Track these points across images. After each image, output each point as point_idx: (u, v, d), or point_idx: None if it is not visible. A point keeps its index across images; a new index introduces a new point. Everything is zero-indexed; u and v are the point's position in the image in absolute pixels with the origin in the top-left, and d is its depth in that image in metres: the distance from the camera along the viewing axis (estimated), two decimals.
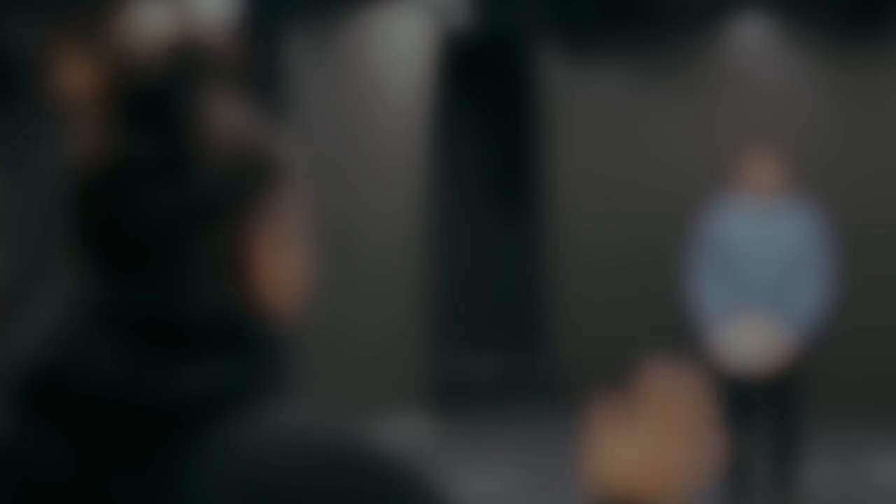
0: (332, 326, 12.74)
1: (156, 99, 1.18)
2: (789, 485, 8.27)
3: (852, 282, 13.49)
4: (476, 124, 17.24)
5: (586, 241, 14.88)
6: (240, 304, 1.21)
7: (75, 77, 1.17)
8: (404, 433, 12.67)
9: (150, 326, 1.16)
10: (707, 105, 14.23)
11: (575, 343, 14.98)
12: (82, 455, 1.14)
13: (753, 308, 8.03)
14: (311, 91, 12.78)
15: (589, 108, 14.87)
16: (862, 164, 13.55)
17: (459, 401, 15.30)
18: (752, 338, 8.01)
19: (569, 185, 15.01)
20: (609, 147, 14.77)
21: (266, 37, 16.03)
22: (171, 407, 1.13)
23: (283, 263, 1.25)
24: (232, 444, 1.14)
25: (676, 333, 14.28)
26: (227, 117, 1.23)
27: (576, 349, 14.98)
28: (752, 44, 13.96)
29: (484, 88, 17.15)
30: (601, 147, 14.82)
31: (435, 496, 1.15)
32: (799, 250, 8.00)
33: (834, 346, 13.54)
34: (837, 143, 13.64)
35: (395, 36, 12.71)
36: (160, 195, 1.17)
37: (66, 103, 1.18)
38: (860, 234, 13.50)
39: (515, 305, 17.58)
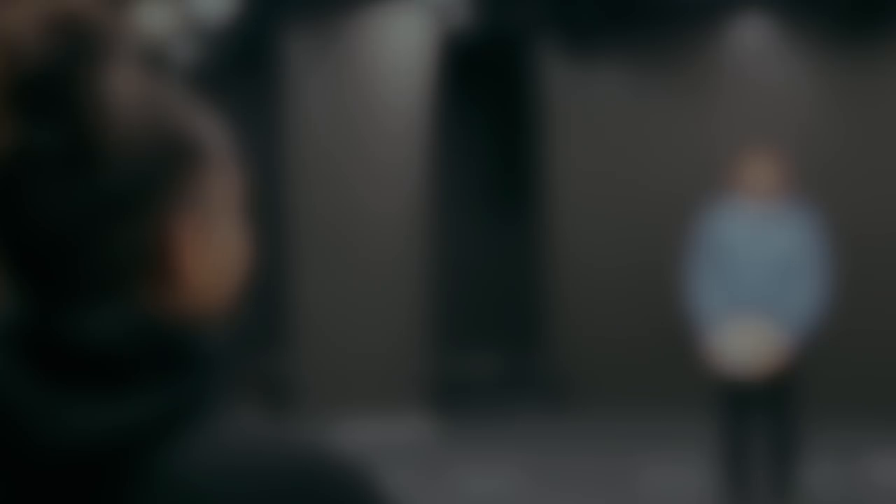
0: (333, 326, 12.74)
1: (43, 86, 1.05)
2: (789, 486, 8.28)
3: (852, 282, 13.48)
4: (476, 124, 17.24)
5: (586, 241, 14.88)
6: (168, 310, 1.10)
7: None
8: (404, 433, 12.67)
9: (67, 355, 1.04)
10: (707, 105, 14.22)
11: (575, 343, 14.98)
12: (24, 501, 1.05)
13: (749, 311, 8.07)
14: (311, 91, 12.78)
15: (589, 108, 14.87)
16: (861, 165, 13.55)
17: (459, 401, 15.30)
18: (747, 340, 8.05)
19: (569, 185, 15.01)
20: (609, 147, 14.77)
21: (266, 37, 16.01)
22: (104, 445, 1.03)
23: (217, 253, 1.13)
24: (177, 472, 1.05)
25: (675, 333, 14.28)
26: (130, 97, 1.09)
27: (576, 349, 14.97)
28: (752, 44, 13.96)
29: (484, 88, 17.15)
30: (601, 147, 14.81)
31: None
32: (795, 254, 8.05)
33: (834, 347, 13.54)
34: (837, 143, 13.64)
35: (395, 36, 12.71)
36: (65, 192, 1.05)
37: None
38: (860, 234, 13.50)
39: (515, 305, 17.57)
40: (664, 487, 9.55)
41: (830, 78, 13.64)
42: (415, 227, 12.82)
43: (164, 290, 1.10)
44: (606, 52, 14.65)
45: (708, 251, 8.14)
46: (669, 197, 14.41)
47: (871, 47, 13.45)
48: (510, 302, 17.53)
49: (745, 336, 8.06)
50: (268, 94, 16.20)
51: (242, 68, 16.14)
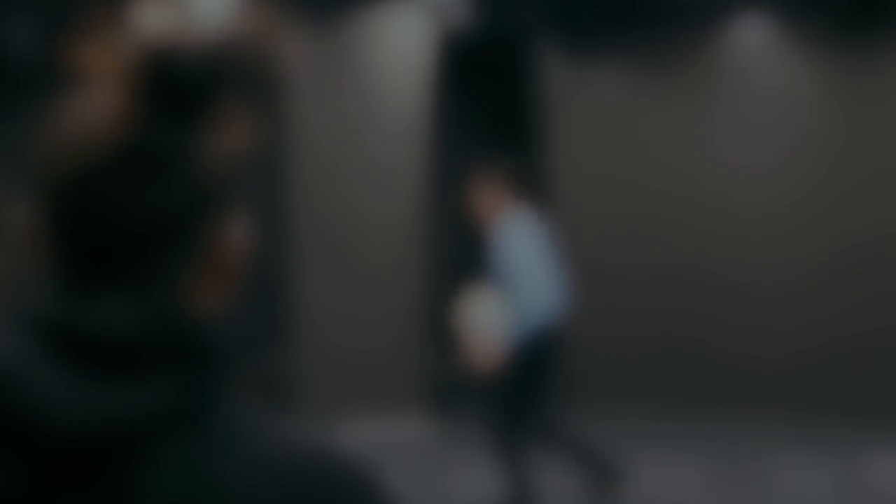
0: (332, 326, 12.74)
1: (189, 94, 1.10)
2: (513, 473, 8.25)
3: (851, 282, 13.49)
4: (476, 124, 17.25)
5: (586, 241, 14.89)
6: (194, 304, 1.13)
7: (105, 57, 1.09)
8: (404, 433, 12.67)
9: (87, 342, 1.07)
10: (707, 105, 14.23)
11: (574, 343, 14.98)
12: (35, 482, 1.07)
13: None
14: (311, 91, 12.78)
15: (589, 108, 14.88)
16: (861, 164, 13.55)
17: (459, 401, 15.30)
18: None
19: (569, 185, 15.01)
20: (609, 147, 14.78)
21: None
22: (115, 432, 1.06)
23: (236, 259, 1.18)
24: (184, 463, 1.08)
25: (675, 333, 14.28)
26: (238, 122, 1.15)
27: (575, 349, 14.98)
28: (752, 44, 13.97)
29: (484, 88, 17.16)
30: (601, 147, 14.82)
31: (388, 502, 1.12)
32: (517, 265, 8.29)
33: (833, 346, 13.54)
34: (837, 143, 13.65)
35: (395, 36, 12.72)
36: (153, 191, 1.09)
37: (89, 84, 1.09)
38: (859, 233, 13.50)
39: None
40: (665, 487, 9.56)
41: (830, 78, 13.64)
42: (415, 227, 12.83)
43: (201, 287, 1.14)
44: (606, 52, 14.66)
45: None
46: (669, 196, 14.42)
47: (871, 47, 13.45)
48: None
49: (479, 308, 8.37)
50: (268, 94, 16.19)
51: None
